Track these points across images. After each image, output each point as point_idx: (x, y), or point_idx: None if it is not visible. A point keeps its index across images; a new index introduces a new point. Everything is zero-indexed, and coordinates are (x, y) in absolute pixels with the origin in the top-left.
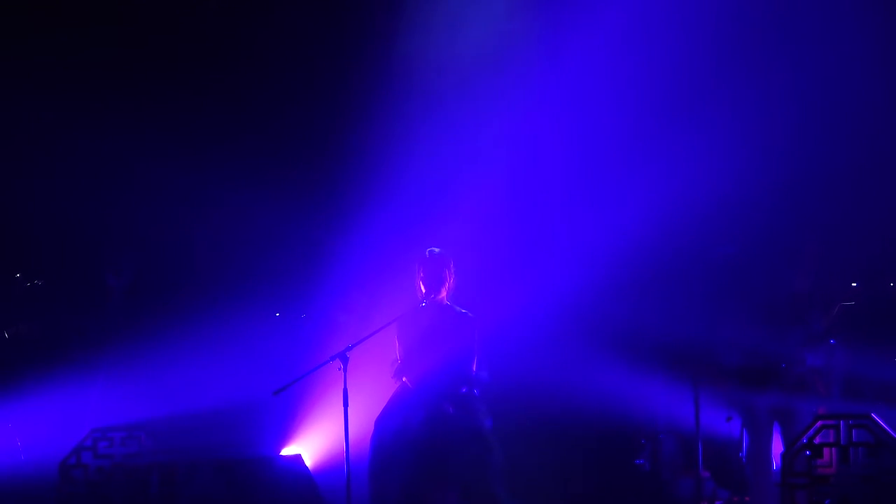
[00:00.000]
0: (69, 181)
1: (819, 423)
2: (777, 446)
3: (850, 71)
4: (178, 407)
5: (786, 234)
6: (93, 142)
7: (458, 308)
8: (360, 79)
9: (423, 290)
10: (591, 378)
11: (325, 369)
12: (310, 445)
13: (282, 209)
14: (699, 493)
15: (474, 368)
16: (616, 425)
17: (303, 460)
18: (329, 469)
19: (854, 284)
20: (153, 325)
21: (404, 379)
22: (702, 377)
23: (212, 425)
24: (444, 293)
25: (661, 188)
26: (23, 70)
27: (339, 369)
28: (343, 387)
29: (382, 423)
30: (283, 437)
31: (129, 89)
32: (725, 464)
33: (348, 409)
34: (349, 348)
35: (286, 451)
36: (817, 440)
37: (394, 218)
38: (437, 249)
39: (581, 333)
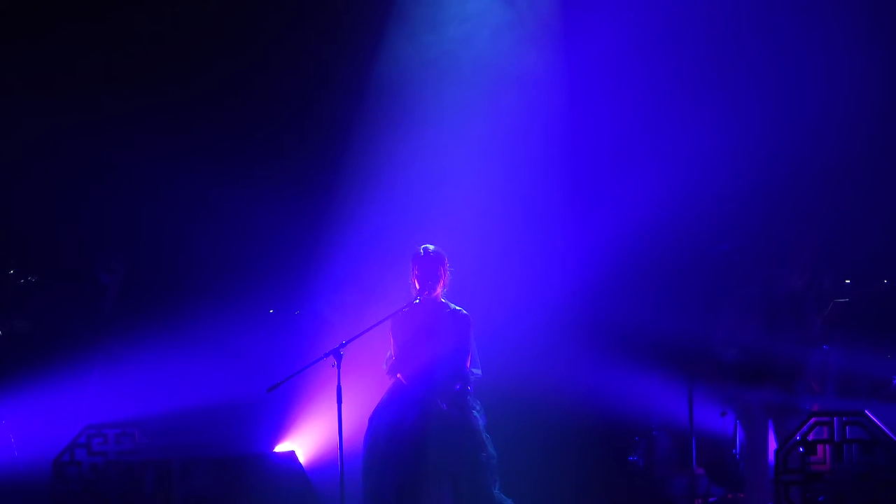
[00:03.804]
0: (63, 178)
1: (813, 420)
2: (771, 443)
3: (846, 71)
4: (172, 404)
5: (781, 231)
6: (87, 140)
7: (452, 305)
8: (354, 78)
9: (418, 288)
10: (585, 374)
11: (318, 366)
12: (304, 442)
13: (275, 206)
14: (693, 490)
15: (468, 365)
16: (610, 422)
17: (297, 457)
18: (323, 466)
19: (847, 281)
20: (147, 323)
21: (399, 376)
22: (697, 374)
23: (206, 422)
24: (438, 290)
25: (657, 186)
26: (17, 70)
27: (333, 366)
28: (337, 384)
29: (376, 419)
30: (278, 434)
31: (122, 89)
32: (720, 460)
33: (342, 405)
34: (343, 345)
35: (280, 448)
36: (811, 437)
37: (388, 215)
38: (431, 247)
39: (576, 330)
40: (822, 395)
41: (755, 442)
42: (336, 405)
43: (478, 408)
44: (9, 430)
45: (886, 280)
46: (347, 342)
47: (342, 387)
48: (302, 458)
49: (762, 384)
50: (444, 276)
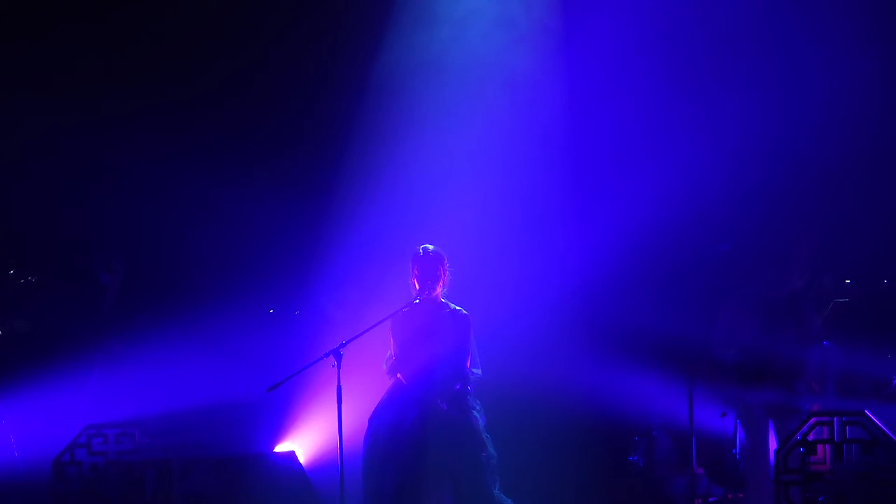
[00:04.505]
0: (63, 178)
1: (813, 420)
2: (771, 443)
3: (846, 71)
4: (172, 404)
5: (781, 231)
6: (87, 140)
7: (451, 305)
8: (354, 78)
9: (418, 288)
10: (585, 374)
11: (318, 366)
12: (304, 442)
13: (275, 206)
14: (693, 490)
15: (468, 365)
16: (610, 422)
17: (297, 457)
18: (323, 466)
19: (847, 281)
20: (147, 323)
21: (399, 376)
22: (697, 374)
23: (206, 422)
24: (438, 290)
25: (657, 186)
26: (17, 70)
27: (333, 366)
28: (337, 383)
29: (376, 419)
30: (278, 433)
31: (122, 89)
32: (720, 460)
33: (342, 405)
34: (343, 345)
35: (280, 448)
36: (811, 437)
37: (388, 215)
38: (430, 247)
39: (576, 330)
40: (822, 395)
41: (755, 442)
42: (336, 405)
43: (478, 408)
44: (9, 430)
45: (886, 280)
46: (347, 342)
47: (342, 387)
48: (302, 458)
49: (762, 384)
50: (444, 276)
